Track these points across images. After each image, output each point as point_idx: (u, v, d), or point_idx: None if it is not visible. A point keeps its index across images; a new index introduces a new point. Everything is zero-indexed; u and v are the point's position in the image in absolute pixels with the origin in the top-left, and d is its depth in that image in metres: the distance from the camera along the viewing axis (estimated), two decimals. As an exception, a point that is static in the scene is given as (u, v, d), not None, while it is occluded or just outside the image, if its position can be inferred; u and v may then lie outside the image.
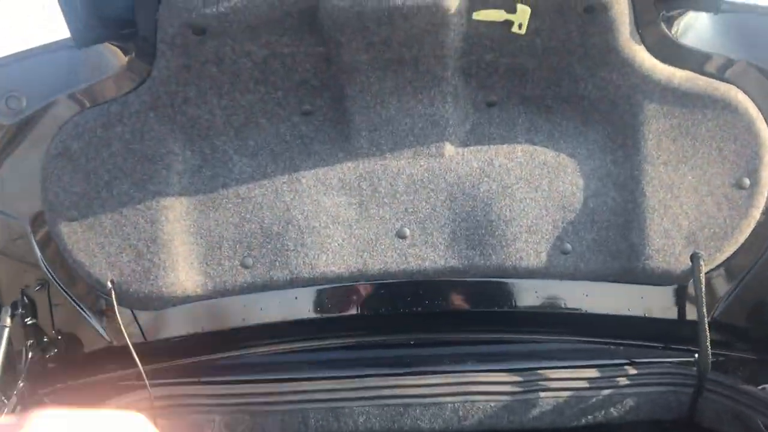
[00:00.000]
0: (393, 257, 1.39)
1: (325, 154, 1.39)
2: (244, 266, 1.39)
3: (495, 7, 1.21)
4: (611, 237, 1.37)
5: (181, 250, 1.37)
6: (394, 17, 1.17)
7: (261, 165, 1.38)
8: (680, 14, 1.30)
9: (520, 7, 1.21)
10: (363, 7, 1.16)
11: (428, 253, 1.39)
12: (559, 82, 1.33)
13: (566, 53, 1.28)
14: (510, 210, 1.37)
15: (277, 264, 1.39)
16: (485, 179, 1.37)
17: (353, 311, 1.48)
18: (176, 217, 1.36)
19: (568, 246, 1.38)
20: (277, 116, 1.36)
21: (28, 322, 1.45)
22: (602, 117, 1.36)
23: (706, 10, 1.26)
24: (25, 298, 1.43)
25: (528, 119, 1.39)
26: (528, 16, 1.22)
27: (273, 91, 1.33)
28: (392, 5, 1.16)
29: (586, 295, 1.47)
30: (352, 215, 1.38)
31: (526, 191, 1.37)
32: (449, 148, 1.38)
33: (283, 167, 1.38)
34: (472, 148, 1.38)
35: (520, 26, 1.23)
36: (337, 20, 1.19)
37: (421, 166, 1.38)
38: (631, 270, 1.37)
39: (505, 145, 1.38)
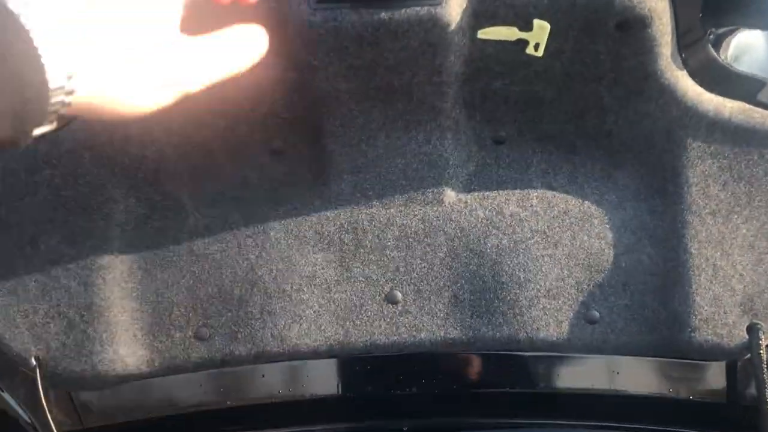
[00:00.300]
0: (381, 326, 1.20)
1: (299, 202, 1.21)
2: (199, 338, 1.20)
3: (506, 23, 1.01)
4: (648, 303, 1.18)
5: (122, 318, 1.18)
6: (379, 35, 0.98)
7: (220, 215, 1.21)
8: (731, 33, 1.11)
9: (537, 23, 1.00)
10: (340, 22, 0.97)
11: (424, 322, 1.20)
12: (583, 114, 1.15)
13: (592, 80, 1.10)
14: (524, 269, 1.19)
15: (239, 336, 1.19)
16: (494, 232, 1.19)
17: (332, 392, 1.29)
18: (116, 279, 1.18)
19: (596, 313, 1.19)
20: (240, 156, 1.19)
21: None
22: (636, 157, 1.18)
23: (765, 28, 1.06)
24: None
25: (545, 159, 1.21)
26: (547, 35, 1.02)
27: (234, 125, 1.15)
28: (377, 20, 0.97)
29: (617, 372, 1.27)
30: (330, 275, 1.20)
31: (543, 247, 1.19)
32: (449, 194, 1.20)
33: (248, 217, 1.21)
34: (477, 194, 1.21)
35: (536, 47, 1.03)
36: (308, 39, 1.00)
37: (415, 215, 1.20)
38: (672, 343, 1.17)
39: (517, 191, 1.21)
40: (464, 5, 0.98)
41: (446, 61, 1.04)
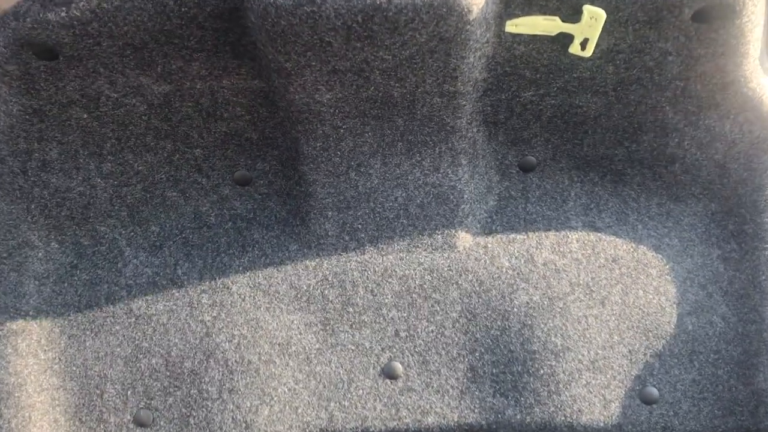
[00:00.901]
0: (377, 408, 1.06)
1: (270, 247, 1.09)
2: (140, 423, 1.06)
3: (546, 11, 0.84)
4: (723, 378, 1.04)
5: (39, 399, 1.04)
6: (373, 26, 0.80)
7: (168, 264, 1.09)
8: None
9: (588, 11, 0.83)
10: (319, 7, 0.80)
11: (432, 402, 1.06)
12: (638, 134, 1.01)
13: (654, 89, 0.95)
14: (562, 335, 1.04)
15: (192, 420, 1.05)
16: (522, 285, 1.06)
17: (314, 492, 1.12)
18: (32, 348, 1.04)
19: (654, 391, 1.05)
20: (194, 187, 1.07)
21: None
22: (704, 190, 1.05)
23: None
24: None
25: (586, 192, 1.09)
26: (600, 28, 0.85)
27: (186, 148, 1.02)
28: (370, 5, 0.81)
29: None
30: (310, 342, 1.06)
31: (586, 305, 1.05)
32: (464, 237, 1.07)
33: (203, 267, 1.08)
34: (499, 236, 1.08)
35: (584, 44, 0.85)
36: (276, 33, 0.81)
37: (420, 264, 1.07)
38: (757, 431, 1.03)
39: (551, 233, 1.08)
40: None
41: (463, 64, 0.88)
